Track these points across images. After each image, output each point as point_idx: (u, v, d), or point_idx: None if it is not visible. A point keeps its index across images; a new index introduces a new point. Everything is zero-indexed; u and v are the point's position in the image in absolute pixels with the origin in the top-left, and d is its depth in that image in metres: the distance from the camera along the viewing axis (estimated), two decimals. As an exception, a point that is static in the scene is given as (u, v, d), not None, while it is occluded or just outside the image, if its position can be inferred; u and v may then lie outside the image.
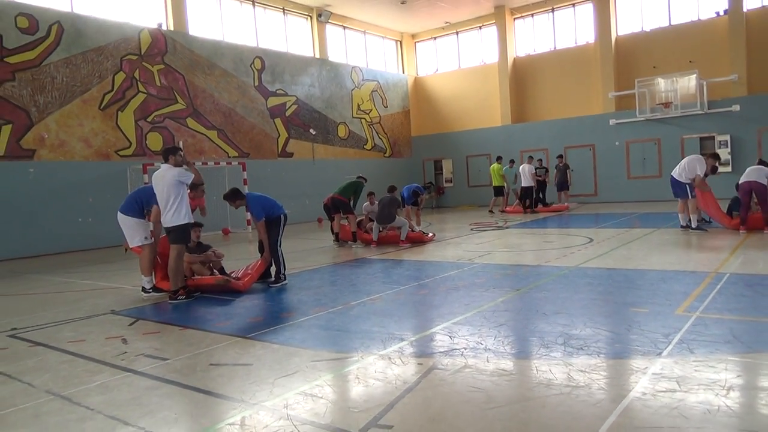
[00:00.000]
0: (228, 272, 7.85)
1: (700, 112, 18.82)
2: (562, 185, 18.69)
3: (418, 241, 11.50)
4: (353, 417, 3.28)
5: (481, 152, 23.56)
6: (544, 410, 3.21)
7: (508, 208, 18.54)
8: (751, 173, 10.16)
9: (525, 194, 17.81)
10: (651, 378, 3.60)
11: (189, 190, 7.22)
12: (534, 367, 3.96)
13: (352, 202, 11.97)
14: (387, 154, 23.77)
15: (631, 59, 20.74)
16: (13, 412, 3.69)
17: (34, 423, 3.49)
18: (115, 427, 3.33)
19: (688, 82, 19.05)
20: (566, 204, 18.56)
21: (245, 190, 16.55)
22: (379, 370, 4.07)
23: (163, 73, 16.50)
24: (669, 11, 20.19)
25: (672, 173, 11.06)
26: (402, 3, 21.46)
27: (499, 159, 19.30)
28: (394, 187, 12.19)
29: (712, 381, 3.48)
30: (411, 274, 8.21)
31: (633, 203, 19.40)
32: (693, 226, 10.73)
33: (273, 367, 4.28)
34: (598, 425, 2.95)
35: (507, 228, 13.94)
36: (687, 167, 10.71)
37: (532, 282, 6.96)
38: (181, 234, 6.99)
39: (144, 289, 7.49)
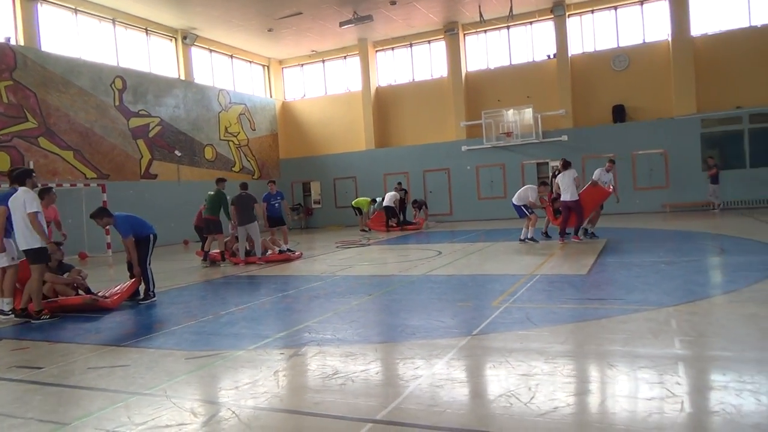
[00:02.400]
0: (95, 292, 7.98)
1: (536, 140, 21.56)
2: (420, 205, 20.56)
3: (285, 260, 12.13)
4: (228, 393, 3.96)
5: (348, 175, 24.77)
6: (375, 375, 4.14)
7: (368, 222, 19.96)
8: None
9: (387, 214, 19.26)
10: (458, 349, 4.68)
11: (41, 199, 7.37)
12: (374, 348, 4.90)
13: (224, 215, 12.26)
14: (255, 177, 24.11)
15: (478, 92, 23.19)
16: None
17: None
18: (4, 422, 3.69)
19: (526, 115, 21.75)
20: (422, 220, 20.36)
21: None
22: (248, 360, 4.77)
23: (12, 89, 15.67)
24: (510, 52, 22.95)
25: (512, 199, 13.22)
26: (269, 30, 22.18)
27: (373, 201, 20.53)
28: (246, 184, 12.53)
29: (499, 348, 4.64)
30: (277, 287, 8.90)
31: (483, 221, 21.60)
32: (528, 236, 12.62)
33: (150, 366, 4.79)
34: (412, 380, 3.93)
35: (369, 245, 15.06)
36: (521, 195, 12.96)
37: (384, 288, 7.98)
38: (39, 255, 7.07)
39: (2, 312, 7.41)
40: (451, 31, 22.90)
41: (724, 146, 19.78)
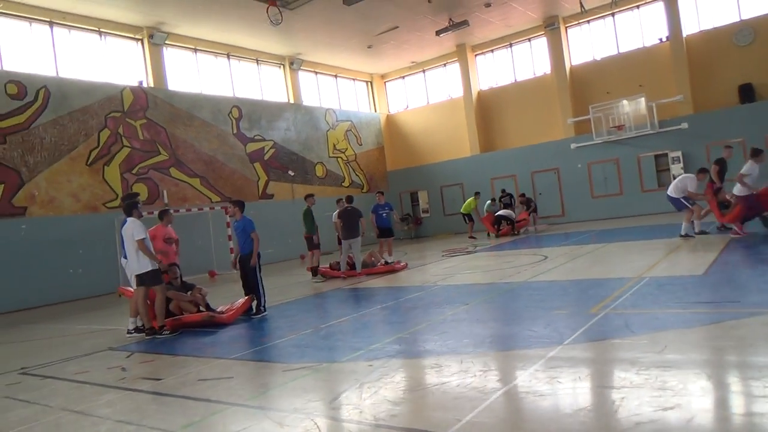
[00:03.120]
0: (214, 308, 8.70)
1: (651, 131, 20.16)
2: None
3: (390, 271, 12.37)
4: (314, 405, 4.19)
5: (454, 182, 24.71)
6: (456, 387, 4.16)
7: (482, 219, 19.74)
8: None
9: (499, 219, 19.06)
10: (546, 359, 4.55)
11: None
12: (459, 360, 4.90)
13: (316, 231, 12.70)
14: (364, 190, 24.83)
15: (585, 87, 22.16)
16: (37, 425, 4.53)
17: (56, 429, 4.34)
18: (123, 428, 4.19)
19: (638, 105, 20.43)
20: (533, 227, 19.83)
21: (228, 231, 17.46)
22: (338, 371, 4.99)
23: (146, 127, 17.52)
24: (617, 40, 21.72)
25: (667, 191, 11.98)
26: (369, 47, 22.83)
27: (477, 195, 20.31)
28: (351, 197, 12.87)
29: (589, 359, 4.44)
30: (378, 299, 9.13)
31: (598, 221, 20.55)
32: (696, 230, 11.52)
33: (250, 378, 5.17)
34: (499, 388, 3.90)
35: (476, 252, 14.92)
36: (677, 185, 11.65)
37: (481, 297, 7.90)
38: (152, 277, 7.85)
39: (128, 330, 8.26)
40: (551, 26, 22.14)
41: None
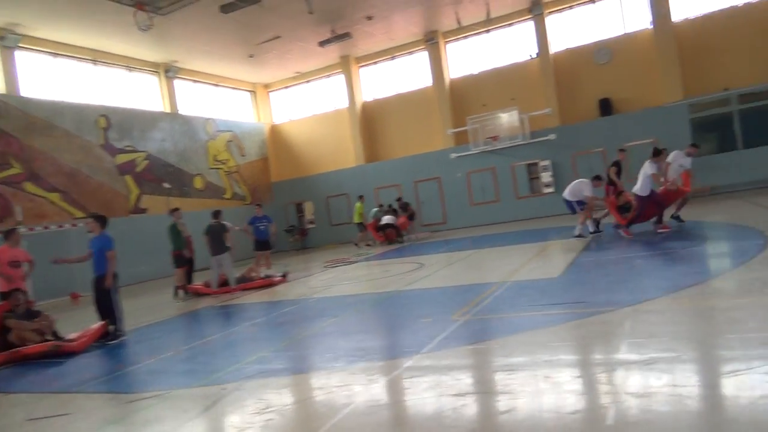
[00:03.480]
0: (63, 336, 7.90)
1: (524, 142, 21.37)
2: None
3: (267, 285, 11.98)
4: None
5: (340, 192, 24.70)
6: (308, 406, 4.00)
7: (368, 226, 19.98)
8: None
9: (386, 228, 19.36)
10: (403, 370, 4.52)
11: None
12: (317, 376, 4.75)
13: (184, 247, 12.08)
14: (248, 202, 24.10)
15: (463, 99, 23.08)
16: None
17: None
18: None
19: (512, 117, 21.59)
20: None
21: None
22: (187, 398, 4.65)
23: (-5, 137, 15.81)
24: (491, 55, 22.84)
25: (563, 194, 12.35)
26: (250, 57, 22.29)
27: (361, 198, 20.51)
28: (218, 212, 12.28)
29: (442, 366, 4.47)
30: (249, 315, 8.79)
31: (477, 227, 21.41)
32: (591, 230, 11.92)
33: (90, 412, 4.69)
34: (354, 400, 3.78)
35: (357, 262, 14.92)
36: (573, 189, 12.02)
37: (353, 308, 7.83)
38: None
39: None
40: (431, 41, 22.87)
41: (715, 130, 19.50)
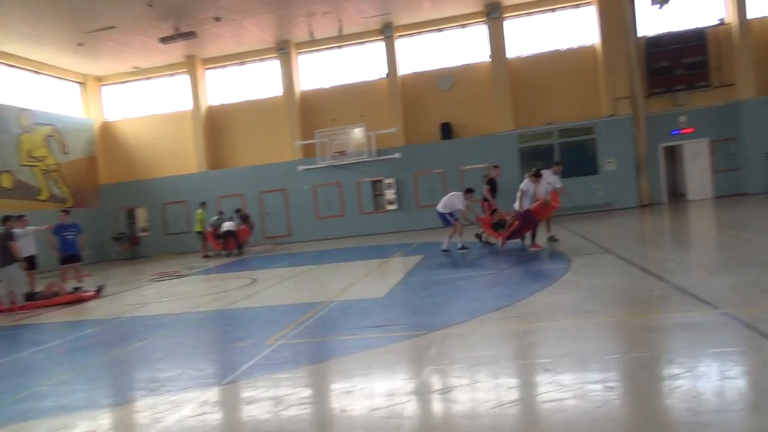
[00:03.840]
0: None
1: (370, 159, 21.75)
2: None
3: (76, 301, 10.68)
4: None
5: (179, 199, 23.22)
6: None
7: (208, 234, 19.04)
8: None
9: (227, 237, 18.51)
10: (197, 404, 4.10)
11: None
12: (95, 416, 4.15)
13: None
14: (69, 205, 21.66)
15: (314, 111, 22.97)
16: None
17: None
18: None
19: (359, 134, 21.89)
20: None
21: None
22: None
23: None
24: (343, 71, 23.01)
25: (437, 207, 12.28)
26: (79, 45, 20.18)
27: (203, 204, 19.41)
28: (8, 216, 10.80)
29: (242, 398, 4.13)
30: (40, 338, 7.71)
31: (322, 241, 21.31)
32: (459, 246, 11.95)
33: None
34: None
35: (188, 275, 13.97)
36: (446, 202, 12.04)
37: (164, 330, 7.17)
38: None
39: None
40: (283, 50, 22.49)
41: (539, 159, 21.37)
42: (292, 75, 22.70)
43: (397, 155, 21.72)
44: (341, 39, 21.69)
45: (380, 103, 22.46)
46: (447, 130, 21.99)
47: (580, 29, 21.33)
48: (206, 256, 18.79)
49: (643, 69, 20.26)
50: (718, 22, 20.12)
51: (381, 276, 10.16)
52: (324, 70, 23.25)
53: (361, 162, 21.85)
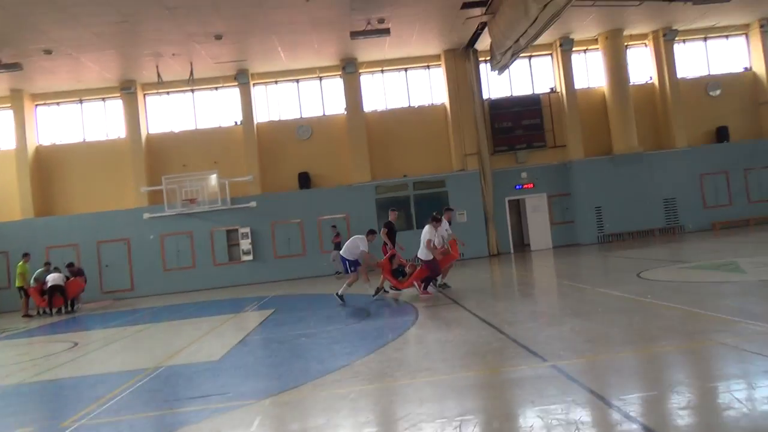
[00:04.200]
0: None
1: (224, 207, 20.72)
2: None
3: None
4: None
5: (-2, 249, 20.32)
6: None
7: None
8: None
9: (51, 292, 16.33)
10: None
11: None
12: None
13: None
14: None
15: (162, 156, 21.57)
16: None
17: None
18: None
19: (212, 181, 20.85)
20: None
21: None
22: None
23: None
24: (196, 116, 22.03)
25: (340, 252, 11.72)
26: None
27: (25, 256, 17.07)
28: None
29: None
30: None
31: (169, 295, 19.68)
32: (373, 294, 11.43)
33: None
34: None
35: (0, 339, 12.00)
36: (350, 247, 11.44)
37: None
38: None
39: None
40: (128, 90, 21.03)
41: (395, 210, 21.59)
42: (139, 117, 21.24)
43: (253, 204, 20.98)
44: (193, 83, 20.80)
45: (235, 150, 21.72)
46: (305, 180, 21.75)
47: (432, 88, 22.52)
48: (27, 315, 16.46)
49: (488, 128, 21.74)
50: (550, 90, 22.34)
51: (221, 335, 9.37)
52: (174, 113, 22.10)
53: (215, 210, 20.74)
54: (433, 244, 10.92)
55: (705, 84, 22.66)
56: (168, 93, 21.85)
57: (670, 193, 21.56)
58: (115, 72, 20.09)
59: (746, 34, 22.83)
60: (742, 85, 22.80)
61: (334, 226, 20.17)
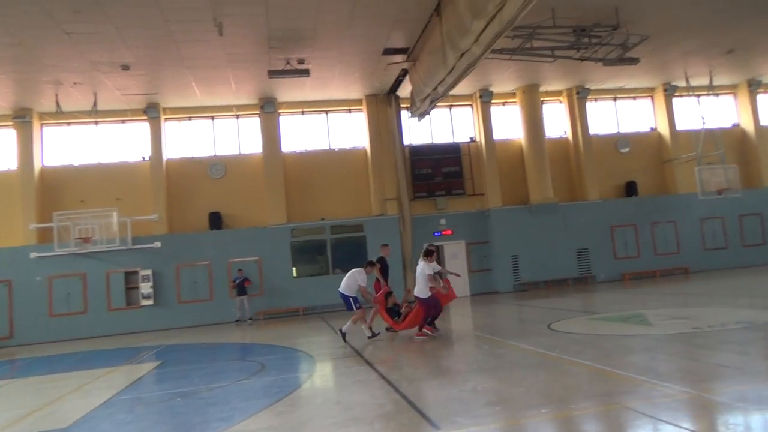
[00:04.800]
0: None
1: (124, 247, 19.12)
2: None
3: None
4: None
5: None
6: None
7: None
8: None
9: None
10: None
11: None
12: None
13: None
14: None
15: (57, 191, 19.81)
16: None
17: None
18: None
19: (112, 219, 19.25)
20: None
21: None
22: None
23: None
24: (98, 150, 20.51)
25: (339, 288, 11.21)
26: None
27: None
28: None
29: None
30: None
31: (55, 343, 17.71)
32: (368, 335, 10.86)
33: None
34: None
35: None
36: (348, 283, 10.98)
37: None
38: None
39: None
40: (22, 118, 19.33)
41: (312, 253, 21.03)
42: (33, 148, 19.52)
43: (157, 244, 19.56)
44: (97, 114, 19.43)
45: (141, 187, 20.29)
46: (216, 220, 20.57)
47: (352, 132, 22.20)
48: None
49: (409, 174, 21.57)
50: (470, 139, 22.58)
51: (87, 394, 8.10)
52: (75, 146, 20.51)
53: (113, 250, 19.09)
54: (438, 276, 10.47)
55: (615, 141, 23.70)
56: (68, 124, 20.29)
57: (583, 244, 22.01)
58: (7, 99, 18.46)
59: (651, 97, 24.21)
60: (649, 143, 24.03)
61: (240, 270, 19.02)
